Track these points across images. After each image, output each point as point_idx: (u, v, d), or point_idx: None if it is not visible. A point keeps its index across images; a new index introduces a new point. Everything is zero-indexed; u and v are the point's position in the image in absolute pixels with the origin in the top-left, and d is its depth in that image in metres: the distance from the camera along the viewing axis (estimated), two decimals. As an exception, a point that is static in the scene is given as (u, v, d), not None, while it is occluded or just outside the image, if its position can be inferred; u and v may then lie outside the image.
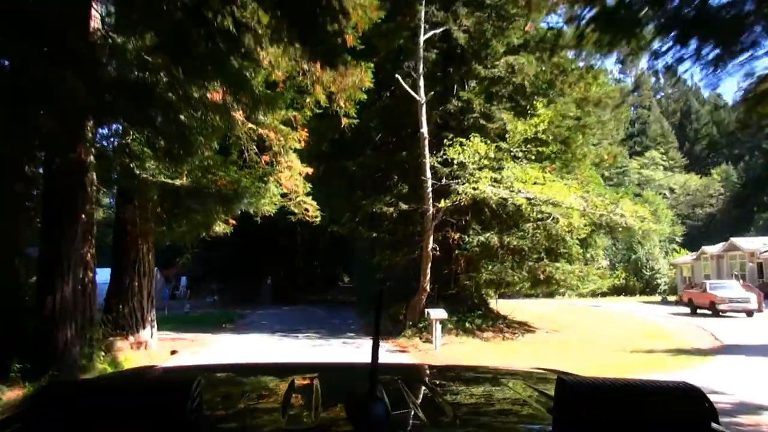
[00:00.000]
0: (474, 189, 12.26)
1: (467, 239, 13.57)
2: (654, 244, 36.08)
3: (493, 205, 13.31)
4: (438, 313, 10.86)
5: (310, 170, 12.25)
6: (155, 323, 10.90)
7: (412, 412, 1.06)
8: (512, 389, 1.34)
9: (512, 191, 12.65)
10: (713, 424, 0.82)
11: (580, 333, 14.27)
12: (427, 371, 1.92)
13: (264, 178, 10.64)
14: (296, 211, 12.00)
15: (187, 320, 17.18)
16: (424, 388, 1.36)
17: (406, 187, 14.22)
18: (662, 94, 67.15)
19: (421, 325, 12.94)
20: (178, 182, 9.24)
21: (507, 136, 13.76)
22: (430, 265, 13.01)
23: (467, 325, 13.38)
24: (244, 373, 1.56)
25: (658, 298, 33.32)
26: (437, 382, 1.44)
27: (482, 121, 14.30)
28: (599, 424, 0.79)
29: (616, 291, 36.14)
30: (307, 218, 12.21)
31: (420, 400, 1.21)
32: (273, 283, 28.53)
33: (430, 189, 12.96)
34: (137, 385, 0.95)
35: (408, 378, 1.42)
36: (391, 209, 13.60)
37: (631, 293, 36.67)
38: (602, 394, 0.82)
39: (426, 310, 11.92)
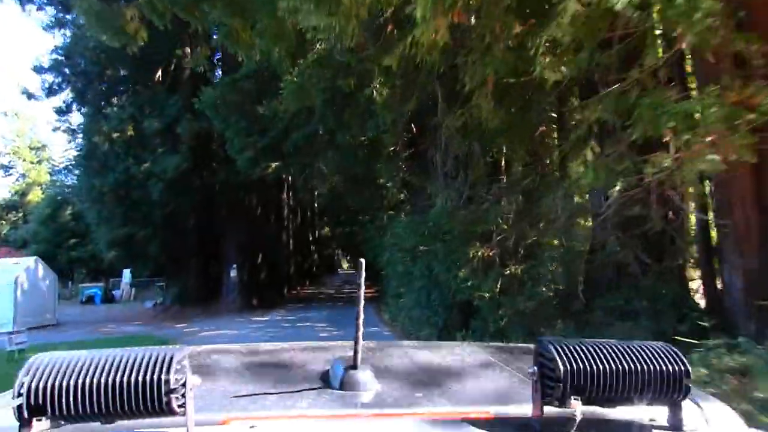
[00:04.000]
0: None
1: None
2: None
3: None
4: None
5: None
6: None
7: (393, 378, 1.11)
8: (500, 360, 1.39)
9: None
10: (685, 380, 0.83)
11: None
12: (413, 345, 1.73)
13: None
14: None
15: None
16: (407, 358, 1.39)
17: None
18: None
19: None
20: None
21: None
22: None
23: None
24: (229, 352, 1.54)
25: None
26: (421, 354, 1.47)
27: None
28: (576, 380, 0.81)
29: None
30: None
31: (402, 369, 1.25)
32: (243, 275, 18.26)
33: None
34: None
35: (392, 350, 1.49)
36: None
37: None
38: (579, 352, 0.84)
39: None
